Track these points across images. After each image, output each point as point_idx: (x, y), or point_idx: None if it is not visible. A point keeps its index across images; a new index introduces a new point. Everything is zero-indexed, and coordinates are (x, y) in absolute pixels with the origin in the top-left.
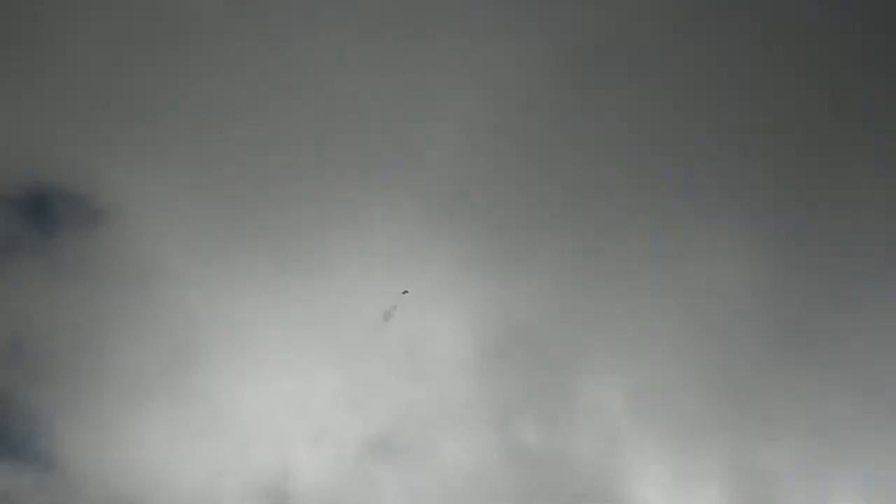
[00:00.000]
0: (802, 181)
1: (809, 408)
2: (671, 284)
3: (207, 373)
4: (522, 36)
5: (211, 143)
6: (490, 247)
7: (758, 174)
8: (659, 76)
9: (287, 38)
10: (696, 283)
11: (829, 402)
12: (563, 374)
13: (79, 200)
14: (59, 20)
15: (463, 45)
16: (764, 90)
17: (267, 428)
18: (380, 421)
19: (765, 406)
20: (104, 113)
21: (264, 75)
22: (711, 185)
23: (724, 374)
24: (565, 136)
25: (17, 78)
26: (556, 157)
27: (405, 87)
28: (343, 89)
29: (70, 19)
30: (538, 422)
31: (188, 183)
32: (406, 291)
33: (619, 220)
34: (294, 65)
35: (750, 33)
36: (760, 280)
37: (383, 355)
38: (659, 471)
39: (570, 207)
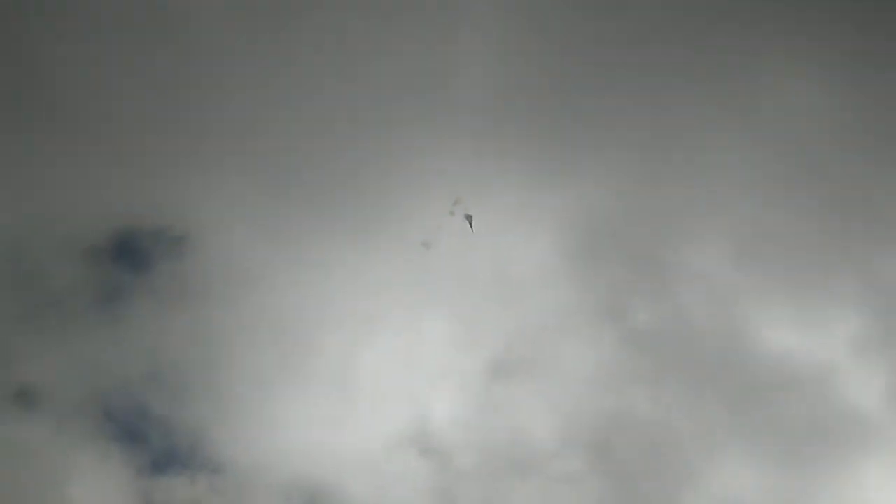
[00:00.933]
0: None
1: None
2: (748, 125)
3: (328, 350)
4: None
5: (258, 141)
6: (551, 150)
7: None
8: None
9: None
10: (773, 116)
11: None
12: (661, 253)
13: (159, 234)
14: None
15: None
16: None
17: (395, 383)
18: (494, 346)
19: (884, 214)
20: (162, 146)
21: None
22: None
23: (829, 197)
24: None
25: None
26: (596, 28)
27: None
28: (369, 41)
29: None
30: (650, 304)
31: (249, 184)
32: (458, 203)
33: (677, 72)
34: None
35: None
36: (840, 91)
37: (478, 284)
38: (790, 313)
39: (620, 76)
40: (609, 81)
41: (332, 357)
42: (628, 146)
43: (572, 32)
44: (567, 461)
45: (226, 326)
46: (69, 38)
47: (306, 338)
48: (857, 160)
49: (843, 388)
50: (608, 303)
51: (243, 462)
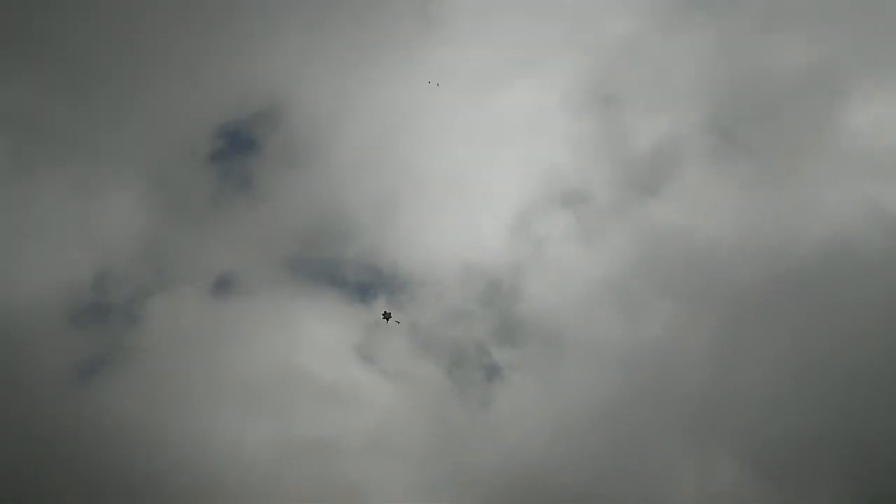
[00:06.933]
0: None
1: None
2: None
3: (443, 153)
4: None
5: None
6: None
7: None
8: None
9: None
10: None
11: None
12: None
13: (258, 114)
14: None
15: None
16: None
17: (513, 155)
18: (587, 82)
19: None
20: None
21: None
22: None
23: None
24: None
25: None
26: None
27: None
28: None
29: None
30: None
31: (314, 39)
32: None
33: None
34: None
35: None
36: None
37: (542, 36)
38: None
39: None
40: None
41: (449, 158)
42: None
43: None
44: (707, 143)
45: (350, 164)
46: None
47: (419, 147)
48: None
49: None
50: None
51: (419, 271)
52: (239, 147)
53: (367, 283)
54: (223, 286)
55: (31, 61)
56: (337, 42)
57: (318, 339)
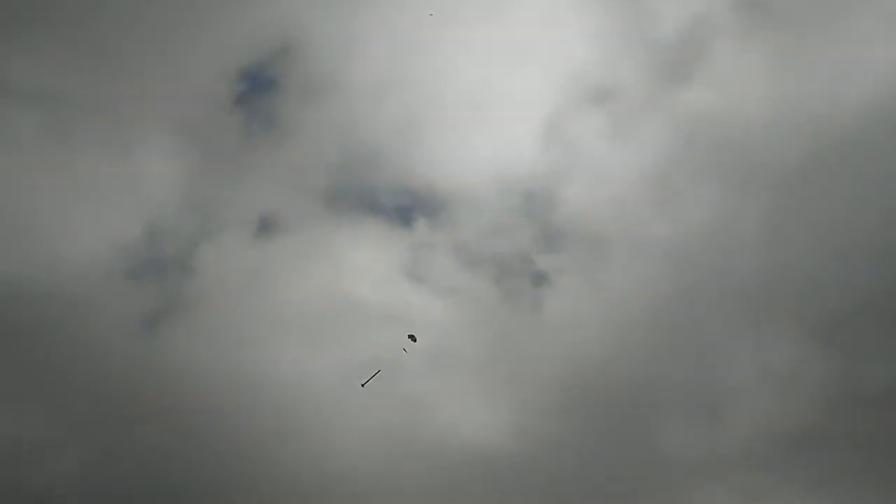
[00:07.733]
0: None
1: None
2: None
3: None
4: None
5: None
6: None
7: None
8: None
9: None
10: None
11: None
12: None
13: (273, 56)
14: None
15: None
16: None
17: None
18: None
19: None
20: None
21: None
22: None
23: None
24: None
25: None
26: None
27: None
28: None
29: None
30: None
31: None
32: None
33: None
34: None
35: None
36: None
37: None
38: None
39: None
40: None
41: (469, 72)
42: None
43: None
44: (737, 18)
45: (371, 91)
46: None
47: (438, 65)
48: None
49: None
50: None
51: (454, 189)
52: (260, 88)
53: (405, 207)
54: (266, 226)
55: (49, 32)
56: None
57: (365, 267)
